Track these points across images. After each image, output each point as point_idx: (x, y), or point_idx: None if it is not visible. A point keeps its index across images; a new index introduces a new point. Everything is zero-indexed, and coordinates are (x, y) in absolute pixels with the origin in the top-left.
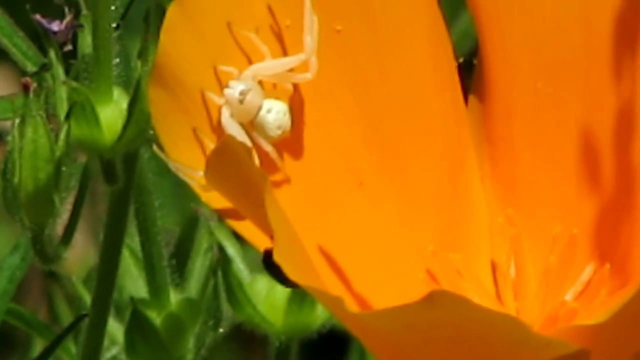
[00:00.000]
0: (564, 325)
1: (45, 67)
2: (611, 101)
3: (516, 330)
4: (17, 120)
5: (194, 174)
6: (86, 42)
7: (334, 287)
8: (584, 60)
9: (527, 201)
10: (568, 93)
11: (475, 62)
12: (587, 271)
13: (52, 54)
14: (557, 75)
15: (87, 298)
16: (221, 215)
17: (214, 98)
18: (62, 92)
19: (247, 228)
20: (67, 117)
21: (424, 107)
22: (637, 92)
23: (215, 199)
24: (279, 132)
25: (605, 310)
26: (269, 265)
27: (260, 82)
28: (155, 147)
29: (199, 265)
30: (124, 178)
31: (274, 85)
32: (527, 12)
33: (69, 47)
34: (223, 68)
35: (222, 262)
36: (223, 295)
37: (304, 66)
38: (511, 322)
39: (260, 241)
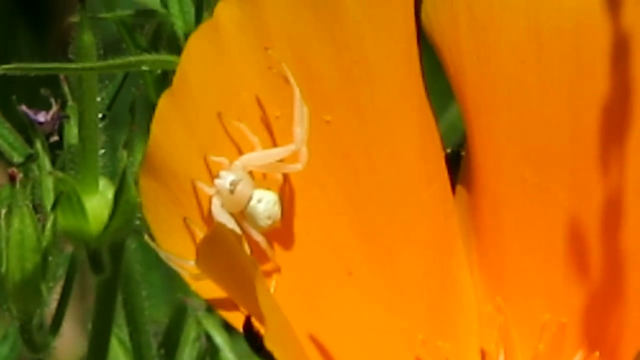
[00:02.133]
0: None
1: (31, 158)
2: (598, 190)
3: None
4: (4, 211)
5: (185, 264)
6: (72, 132)
7: None
8: (571, 150)
9: (516, 290)
10: (555, 183)
11: (462, 153)
12: (576, 359)
13: (38, 144)
14: (544, 166)
15: None
16: (212, 305)
17: (204, 188)
18: (49, 183)
19: (237, 318)
20: (54, 207)
21: (413, 197)
22: (625, 182)
23: (205, 289)
24: (269, 222)
25: None
26: (249, 337)
27: (250, 173)
28: (146, 237)
29: (187, 354)
30: (111, 268)
31: (264, 175)
32: (514, 105)
33: (56, 137)
34: (214, 158)
35: (210, 351)
36: None
37: (294, 156)
38: None
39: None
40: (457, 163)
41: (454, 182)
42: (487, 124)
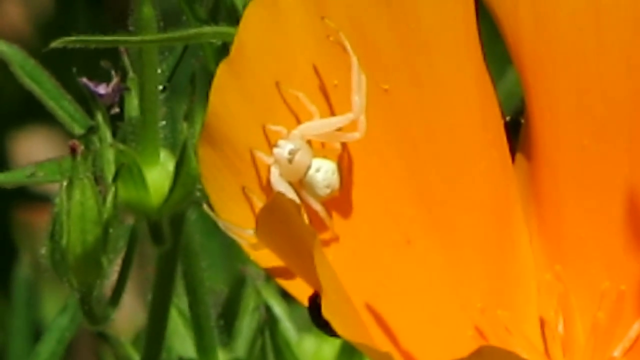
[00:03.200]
0: None
1: (92, 130)
2: None
3: None
4: (65, 183)
5: (244, 233)
6: (133, 104)
7: (382, 343)
8: (629, 116)
9: (575, 258)
10: (614, 149)
11: (522, 120)
12: (636, 327)
13: (99, 116)
14: (603, 132)
15: (136, 359)
16: (270, 274)
17: (263, 157)
18: (109, 155)
19: (296, 287)
20: (115, 179)
21: (472, 165)
22: None
23: (264, 258)
24: (327, 191)
25: None
26: (314, 313)
27: (309, 142)
28: (205, 207)
29: (246, 325)
30: (171, 239)
31: (323, 144)
32: (572, 72)
33: (116, 109)
34: (272, 127)
35: (270, 321)
36: (271, 354)
37: (352, 125)
38: None
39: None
40: (517, 131)
41: (513, 150)
42: (546, 91)
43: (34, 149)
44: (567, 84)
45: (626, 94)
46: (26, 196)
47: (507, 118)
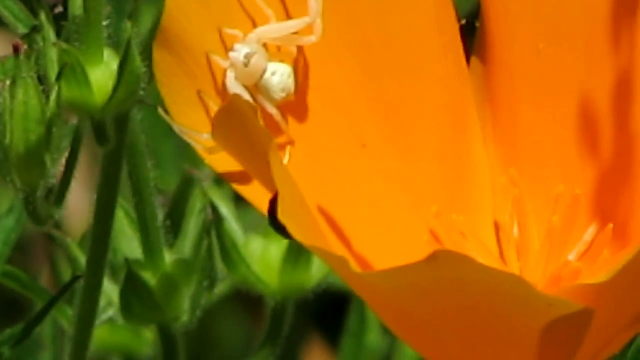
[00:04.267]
0: (567, 284)
1: (35, 29)
2: (610, 65)
3: (520, 289)
4: (8, 82)
5: (199, 137)
6: (77, 3)
7: (337, 247)
8: (585, 21)
9: (530, 162)
10: (569, 54)
11: (477, 23)
12: (590, 231)
13: (42, 15)
14: (559, 36)
15: (82, 260)
16: (225, 179)
17: (218, 61)
18: (53, 54)
19: (251, 191)
20: (58, 78)
21: (427, 69)
22: (635, 58)
23: (219, 162)
24: (283, 94)
25: (608, 270)
26: (273, 219)
27: (264, 45)
28: (160, 110)
29: (192, 225)
30: (116, 139)
31: (278, 48)
32: None
33: (60, 9)
34: (228, 31)
35: (216, 222)
36: (217, 255)
37: (308, 29)
38: (515, 281)
39: (264, 204)
40: (472, 34)
41: (468, 53)
42: None
43: None
44: None
45: None
46: None
47: (463, 21)
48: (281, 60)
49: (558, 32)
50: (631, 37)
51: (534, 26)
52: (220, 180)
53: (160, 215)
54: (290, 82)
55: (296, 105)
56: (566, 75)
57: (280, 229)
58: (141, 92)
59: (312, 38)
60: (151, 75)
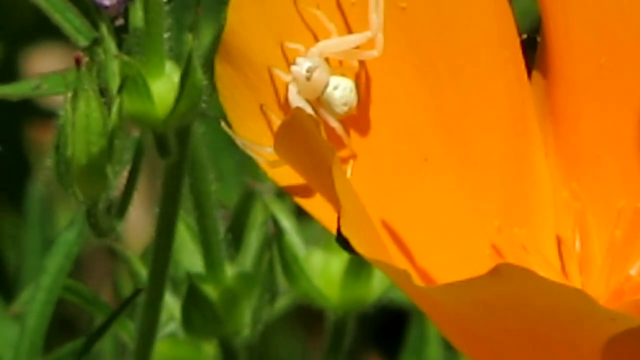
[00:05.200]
0: (630, 299)
1: (97, 42)
2: None
3: (583, 303)
4: (70, 95)
5: (261, 150)
6: (137, 16)
7: (399, 261)
8: None
9: (592, 175)
10: (630, 69)
11: (538, 38)
12: None
13: (103, 28)
14: (620, 51)
15: (144, 273)
16: (288, 193)
17: (281, 75)
18: (114, 66)
19: (313, 205)
20: (120, 90)
21: (489, 83)
22: None
23: (281, 176)
24: (345, 108)
25: None
26: (342, 237)
27: (326, 59)
28: (222, 124)
29: (254, 239)
30: (178, 152)
31: (340, 63)
32: None
33: (121, 21)
34: (290, 45)
35: (277, 235)
36: (278, 268)
37: (370, 44)
38: (578, 295)
39: (327, 217)
40: (534, 49)
41: (529, 68)
42: (563, 8)
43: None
44: (584, 1)
45: None
46: (38, 113)
47: (524, 36)
48: (343, 75)
49: (620, 47)
50: None
51: (596, 41)
52: (282, 193)
53: (221, 228)
54: (352, 97)
55: (358, 119)
56: (627, 90)
57: (347, 246)
58: (203, 105)
59: (374, 52)
60: (213, 88)
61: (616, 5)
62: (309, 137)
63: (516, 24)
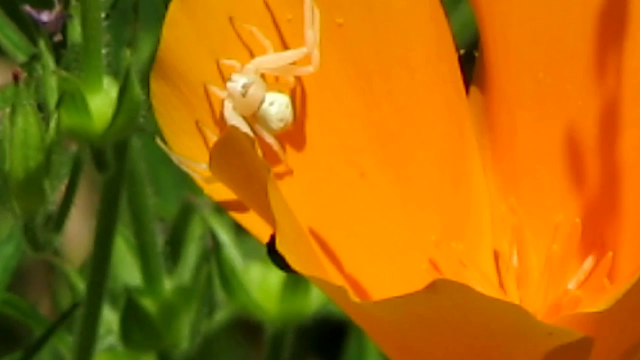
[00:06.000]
0: (567, 313)
1: (35, 57)
2: (598, 95)
3: (520, 318)
4: (8, 110)
5: (197, 167)
6: (76, 31)
7: (336, 277)
8: (585, 51)
9: (529, 190)
10: (568, 83)
11: (476, 53)
12: (590, 260)
13: (42, 44)
14: (558, 65)
15: (82, 287)
16: (223, 208)
17: (216, 92)
18: (52, 82)
19: (249, 220)
20: (58, 106)
21: (426, 98)
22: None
23: (217, 191)
24: (281, 124)
25: (608, 298)
26: (273, 252)
27: (262, 76)
28: (157, 140)
29: (192, 252)
30: (116, 166)
31: (276, 79)
32: (526, 2)
33: (59, 37)
34: (225, 62)
35: (215, 249)
36: (217, 282)
37: (306, 59)
38: (515, 311)
39: (263, 233)
40: (471, 64)
41: (467, 83)
42: (501, 22)
43: None
44: (522, 16)
45: (581, 28)
46: None
47: (461, 51)
48: (279, 91)
49: (557, 62)
50: (618, 65)
51: (533, 56)
52: (220, 207)
53: (160, 242)
54: (288, 112)
55: (294, 135)
56: (563, 105)
57: (280, 262)
58: (141, 120)
59: (310, 68)
60: (150, 103)
61: (553, 20)
62: (244, 155)
63: (454, 39)
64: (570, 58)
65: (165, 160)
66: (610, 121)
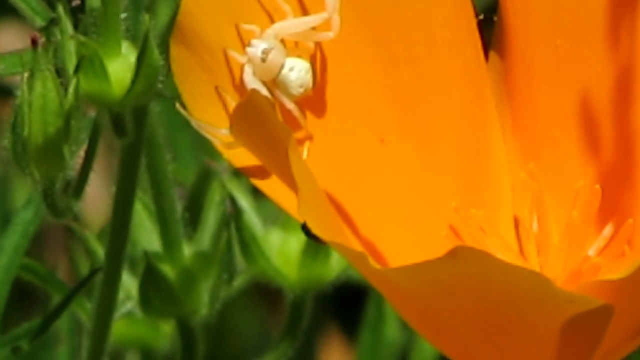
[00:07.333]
0: (587, 280)
1: (53, 22)
2: (615, 61)
3: (540, 285)
4: (26, 75)
5: (217, 132)
6: None
7: (356, 243)
8: (601, 16)
9: (549, 157)
10: (586, 49)
11: (495, 18)
12: (610, 227)
13: (60, 8)
14: (575, 31)
15: (101, 253)
16: (243, 174)
17: (236, 57)
18: (71, 47)
19: (269, 186)
20: (76, 71)
21: (446, 64)
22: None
23: (237, 157)
24: (301, 90)
25: (628, 265)
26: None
27: (282, 41)
28: (177, 105)
29: (211, 218)
30: (134, 132)
31: (296, 44)
32: None
33: (77, 1)
34: (245, 27)
35: (235, 214)
36: (236, 247)
37: (326, 25)
38: (535, 278)
39: (283, 199)
40: (490, 28)
41: (486, 48)
42: None
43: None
44: None
45: None
46: None
47: (480, 16)
48: (299, 56)
49: (574, 28)
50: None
51: (553, 22)
52: (239, 172)
53: (179, 208)
54: (308, 78)
55: (314, 100)
56: (583, 71)
57: (316, 239)
58: (159, 85)
59: (330, 34)
60: (169, 68)
61: None
62: (265, 119)
63: (473, 3)
64: (588, 23)
65: (183, 126)
66: (625, 87)
